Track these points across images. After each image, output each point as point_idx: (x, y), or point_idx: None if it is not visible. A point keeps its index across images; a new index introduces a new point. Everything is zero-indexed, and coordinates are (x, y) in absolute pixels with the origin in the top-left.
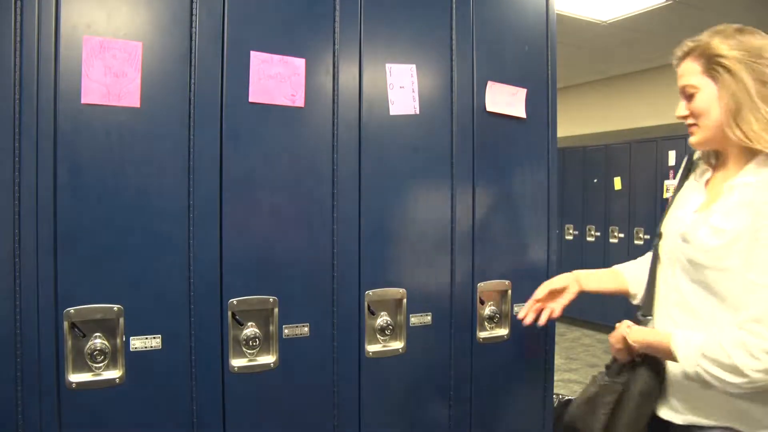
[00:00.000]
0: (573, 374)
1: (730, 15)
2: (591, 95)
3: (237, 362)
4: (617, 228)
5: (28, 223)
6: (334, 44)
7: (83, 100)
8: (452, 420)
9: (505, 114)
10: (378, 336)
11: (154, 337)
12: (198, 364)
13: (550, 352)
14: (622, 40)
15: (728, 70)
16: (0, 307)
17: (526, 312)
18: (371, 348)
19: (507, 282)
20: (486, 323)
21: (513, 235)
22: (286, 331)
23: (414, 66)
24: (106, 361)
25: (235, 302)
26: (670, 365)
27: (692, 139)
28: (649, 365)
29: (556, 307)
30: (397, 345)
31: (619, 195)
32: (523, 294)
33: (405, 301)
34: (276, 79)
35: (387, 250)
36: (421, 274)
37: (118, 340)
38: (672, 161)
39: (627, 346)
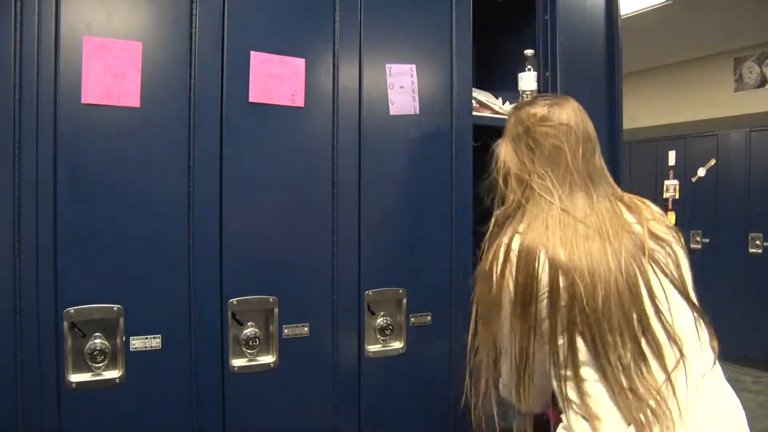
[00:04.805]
0: None
1: (728, 15)
2: None
3: (237, 362)
4: None
5: (28, 223)
6: (334, 44)
7: (83, 100)
8: None
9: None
10: (378, 336)
11: (154, 337)
12: (198, 364)
13: None
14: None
15: None
16: (0, 306)
17: None
18: (371, 348)
19: None
20: None
21: None
22: (286, 331)
23: (414, 66)
24: (106, 361)
25: (235, 302)
26: None
27: None
28: None
29: None
30: (397, 345)
31: None
32: None
33: (405, 301)
34: (276, 79)
35: (386, 250)
36: (423, 273)
37: (118, 340)
38: (672, 161)
39: None
